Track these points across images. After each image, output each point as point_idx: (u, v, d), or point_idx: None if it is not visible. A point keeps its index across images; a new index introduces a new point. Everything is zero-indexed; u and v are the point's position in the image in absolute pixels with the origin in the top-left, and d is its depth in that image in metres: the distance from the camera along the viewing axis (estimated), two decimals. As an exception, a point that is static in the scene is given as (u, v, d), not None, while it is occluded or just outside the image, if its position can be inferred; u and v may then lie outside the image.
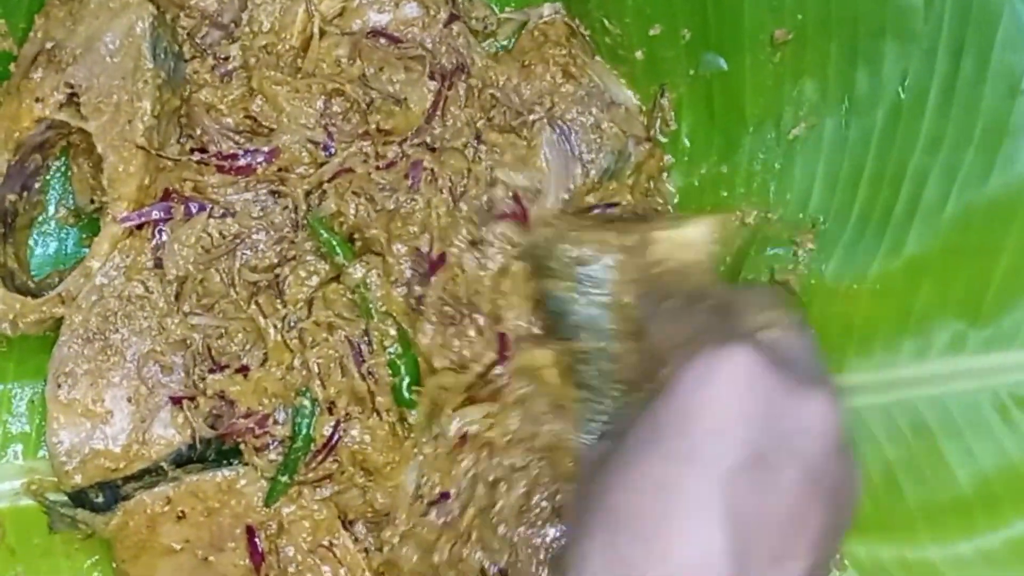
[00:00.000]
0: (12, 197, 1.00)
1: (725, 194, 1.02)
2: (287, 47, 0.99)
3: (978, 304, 0.97)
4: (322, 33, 0.99)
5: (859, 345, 0.99)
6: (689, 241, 1.00)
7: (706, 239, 1.00)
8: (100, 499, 0.97)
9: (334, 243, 0.96)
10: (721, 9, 0.98)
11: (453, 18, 1.01)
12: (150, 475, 0.97)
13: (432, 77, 0.99)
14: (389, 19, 1.02)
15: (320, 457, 0.96)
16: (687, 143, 1.03)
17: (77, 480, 0.96)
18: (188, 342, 0.97)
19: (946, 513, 0.98)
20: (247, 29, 0.99)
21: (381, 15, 1.02)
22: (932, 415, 0.98)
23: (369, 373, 0.95)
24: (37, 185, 1.02)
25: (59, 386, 0.96)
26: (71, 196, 1.03)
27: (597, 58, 1.03)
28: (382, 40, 1.01)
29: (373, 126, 0.98)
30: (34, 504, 1.00)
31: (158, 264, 0.97)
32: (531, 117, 1.00)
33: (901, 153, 0.97)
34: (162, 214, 0.97)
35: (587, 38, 1.04)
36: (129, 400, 0.96)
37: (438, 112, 0.99)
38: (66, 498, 0.97)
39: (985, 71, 0.94)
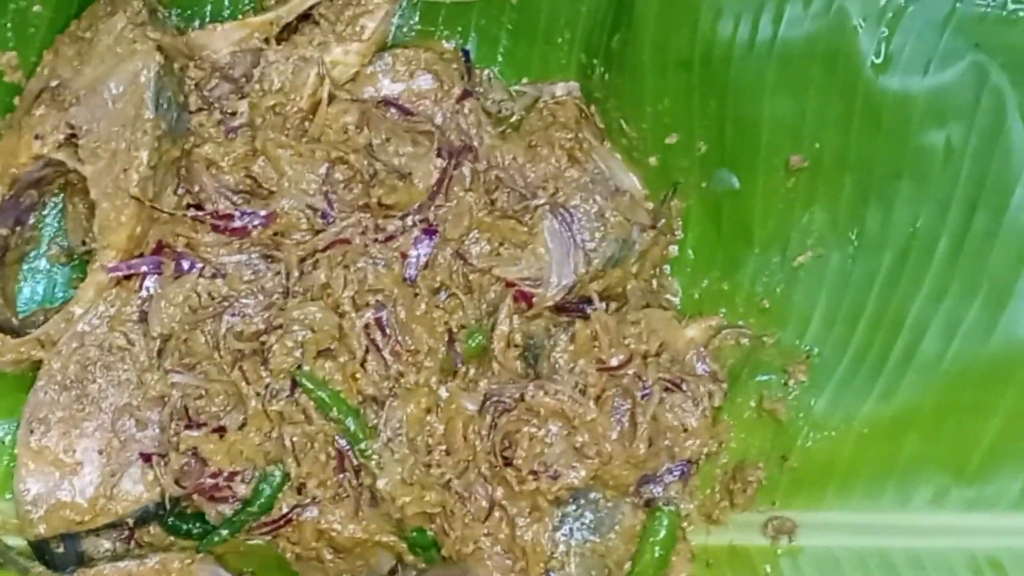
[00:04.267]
0: (4, 231, 1.02)
1: (724, 311, 1.04)
2: (295, 109, 1.02)
3: (965, 462, 1.00)
4: (332, 98, 1.02)
5: (840, 485, 1.02)
6: (688, 337, 1.04)
7: (701, 341, 1.04)
8: (60, 550, 1.00)
9: (326, 399, 0.98)
10: (739, 128, 1.01)
11: (466, 95, 1.04)
12: (114, 528, 1.01)
13: (439, 154, 1.01)
14: (402, 89, 1.04)
15: (268, 527, 1.00)
16: (691, 255, 1.06)
17: (40, 530, 0.99)
18: (166, 399, 0.99)
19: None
20: (257, 86, 1.02)
21: (395, 84, 1.04)
22: (906, 568, 1.00)
23: (340, 454, 0.99)
24: (31, 221, 1.05)
25: (31, 432, 1.00)
26: (65, 234, 1.06)
27: (606, 143, 1.06)
28: (392, 110, 1.04)
29: (375, 200, 1.00)
30: (-10, 545, 1.03)
31: (143, 318, 1.00)
32: (534, 202, 1.03)
33: (904, 298, 1.00)
34: (151, 268, 1.00)
35: (596, 124, 1.06)
36: (100, 452, 1.00)
37: (442, 191, 1.02)
38: (24, 543, 1.01)
39: (997, 230, 0.97)
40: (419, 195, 1.01)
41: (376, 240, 1.01)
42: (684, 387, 1.02)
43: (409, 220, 1.01)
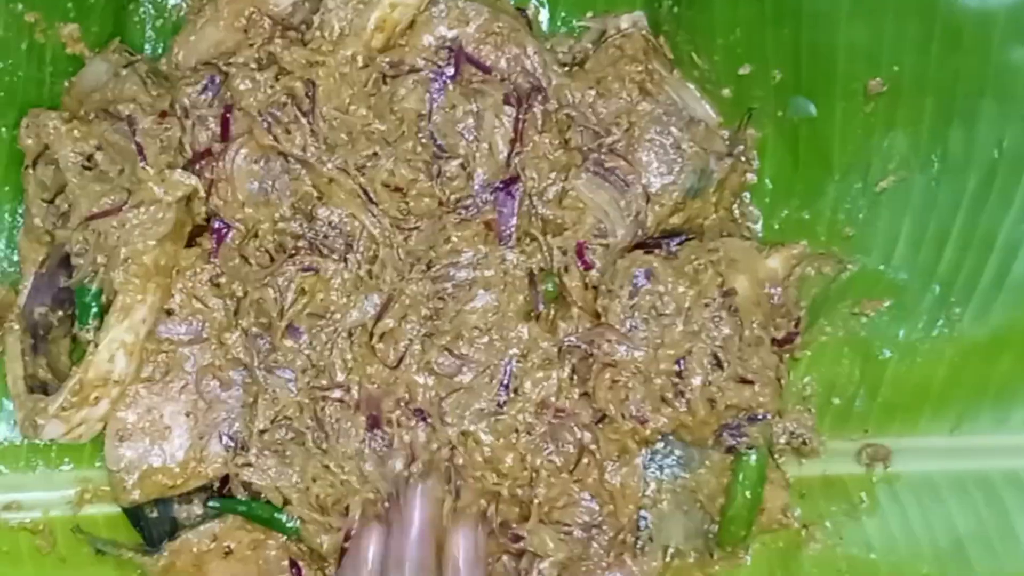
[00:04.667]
0: (41, 310, 1.03)
1: (806, 241, 1.03)
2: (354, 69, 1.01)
3: (1062, 381, 1.00)
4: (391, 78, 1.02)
5: (934, 409, 1.02)
6: (768, 269, 1.03)
7: (784, 271, 1.03)
8: (154, 515, 1.02)
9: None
10: (815, 54, 0.99)
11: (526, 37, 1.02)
12: (204, 491, 1.02)
13: (508, 101, 1.00)
14: (457, 35, 1.02)
15: None
16: (769, 185, 1.05)
17: (135, 496, 1.01)
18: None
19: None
20: (318, 33, 1.00)
21: (451, 31, 1.03)
22: (1006, 488, 1.00)
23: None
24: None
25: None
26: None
27: (675, 72, 1.04)
28: (449, 69, 1.02)
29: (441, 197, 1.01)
30: (86, 513, 1.04)
31: (215, 282, 1.02)
32: (608, 139, 1.01)
33: (992, 219, 0.99)
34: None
35: (665, 54, 1.04)
36: (187, 415, 1.01)
37: (519, 142, 1.00)
38: (120, 511, 1.03)
39: (1085, 143, 0.96)
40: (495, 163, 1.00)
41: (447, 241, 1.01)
42: (761, 331, 1.00)
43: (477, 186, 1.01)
